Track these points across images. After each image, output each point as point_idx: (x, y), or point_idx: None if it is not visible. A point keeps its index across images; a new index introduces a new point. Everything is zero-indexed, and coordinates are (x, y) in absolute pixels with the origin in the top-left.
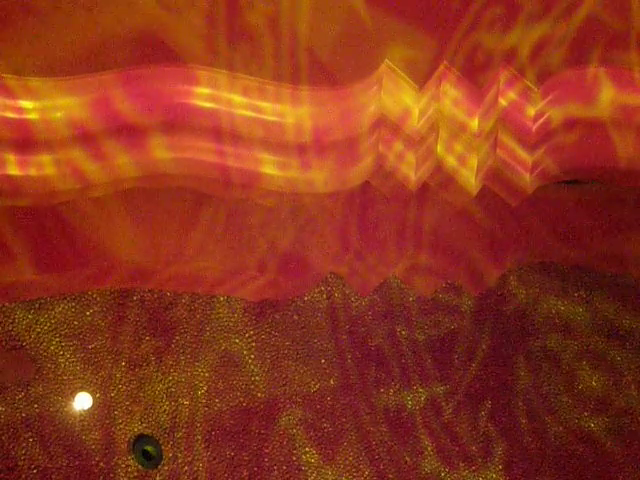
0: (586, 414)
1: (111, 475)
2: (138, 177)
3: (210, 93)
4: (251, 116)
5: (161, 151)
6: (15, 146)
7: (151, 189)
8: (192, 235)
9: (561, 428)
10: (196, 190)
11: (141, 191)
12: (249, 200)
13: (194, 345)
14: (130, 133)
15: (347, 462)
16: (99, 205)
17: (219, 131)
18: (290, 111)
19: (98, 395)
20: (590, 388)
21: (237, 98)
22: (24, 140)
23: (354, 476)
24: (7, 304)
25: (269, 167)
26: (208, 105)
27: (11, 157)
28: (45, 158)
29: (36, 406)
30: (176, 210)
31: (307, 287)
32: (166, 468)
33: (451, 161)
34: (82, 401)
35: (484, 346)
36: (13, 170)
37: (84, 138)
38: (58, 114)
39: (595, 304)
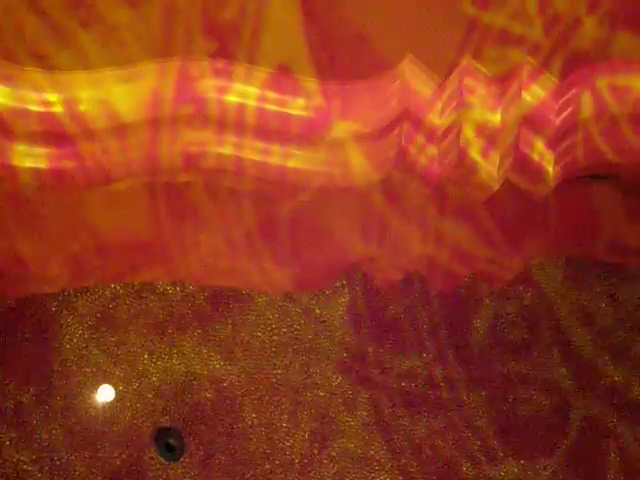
0: (607, 409)
1: (134, 467)
2: (165, 170)
3: (236, 87)
4: (274, 110)
5: (189, 145)
6: (41, 139)
7: (176, 183)
8: (215, 229)
9: (584, 423)
10: (220, 184)
11: (165, 185)
12: (272, 194)
13: (216, 338)
14: (158, 126)
15: (369, 456)
16: (122, 198)
17: (243, 125)
18: (312, 105)
19: (121, 388)
20: (612, 382)
21: (261, 92)
22: (50, 133)
23: (376, 470)
24: (30, 296)
25: (291, 161)
26: (236, 99)
27: (37, 150)
28: (70, 151)
29: (59, 398)
30: (200, 204)
31: (329, 281)
32: (188, 461)
33: (473, 155)
34: (105, 394)
35: (506, 341)
36: (40, 163)
37: (110, 131)
38: (83, 107)
39: (618, 298)
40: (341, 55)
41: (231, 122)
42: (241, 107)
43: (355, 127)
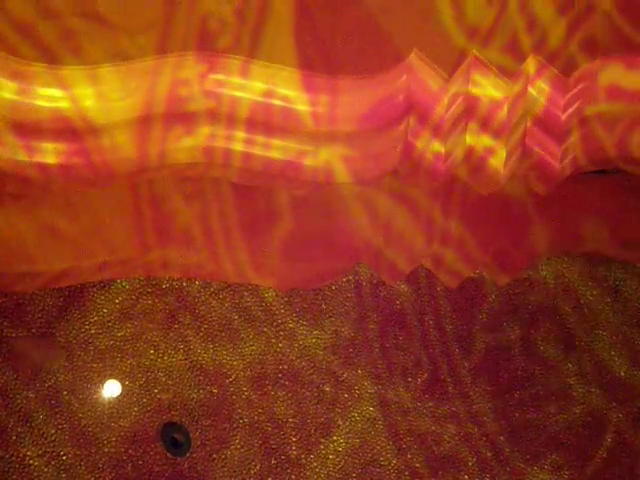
0: (614, 404)
1: (140, 462)
2: (168, 166)
3: (236, 81)
4: (276, 104)
5: (190, 140)
6: (49, 134)
7: (179, 178)
8: (218, 224)
9: (590, 419)
10: (221, 179)
11: (170, 180)
12: (275, 189)
13: (222, 333)
14: (159, 122)
15: (374, 451)
16: (124, 193)
17: (244, 120)
18: (317, 100)
19: (127, 383)
20: (617, 378)
21: (261, 86)
22: (57, 128)
23: (382, 465)
24: (37, 291)
25: (295, 156)
26: (233, 93)
27: (45, 146)
28: (78, 146)
29: (65, 393)
30: (200, 199)
31: (335, 276)
32: (194, 456)
33: (479, 150)
34: (111, 389)
35: (512, 336)
36: (48, 159)
37: (113, 127)
38: (88, 102)
39: (624, 294)
40: (346, 50)
41: (234, 117)
42: (242, 101)
43: (357, 123)
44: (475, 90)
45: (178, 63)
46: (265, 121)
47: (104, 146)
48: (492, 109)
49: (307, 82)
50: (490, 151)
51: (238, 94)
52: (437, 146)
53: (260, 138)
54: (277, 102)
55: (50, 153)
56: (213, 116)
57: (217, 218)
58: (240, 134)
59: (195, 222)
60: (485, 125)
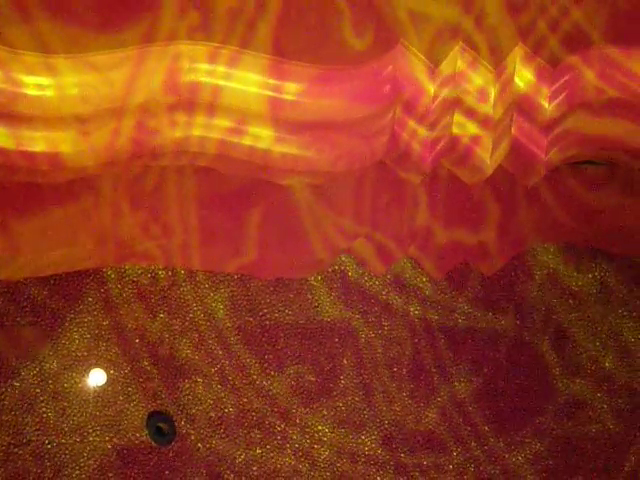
0: (599, 395)
1: (124, 451)
2: (155, 155)
3: (220, 70)
4: (263, 94)
5: (175, 129)
6: (36, 123)
7: (162, 168)
8: (202, 214)
9: (574, 410)
10: (205, 168)
11: (155, 170)
12: (261, 180)
13: (208, 323)
14: (148, 111)
15: (359, 441)
16: (113, 182)
17: (229, 109)
18: (304, 90)
19: (112, 372)
20: (602, 368)
21: (249, 76)
22: (44, 117)
23: (367, 455)
24: (22, 280)
25: (282, 146)
26: (219, 82)
27: (32, 134)
28: (62, 135)
29: (50, 382)
30: (185, 189)
31: (320, 266)
32: (179, 445)
33: (466, 141)
34: (96, 377)
35: (497, 327)
36: (35, 147)
37: (101, 115)
38: (75, 91)
39: (610, 285)
40: (335, 40)
41: (220, 106)
42: (229, 91)
43: (342, 114)
44: (462, 80)
45: (161, 52)
46: (239, 108)
47: (87, 135)
48: (479, 99)
49: (291, 71)
50: (476, 141)
51: (220, 82)
52: (424, 136)
53: (233, 125)
54: (259, 91)
55: (37, 141)
56: (188, 105)
57: (189, 205)
58: (215, 122)
59: (166, 212)
60: (471, 115)
